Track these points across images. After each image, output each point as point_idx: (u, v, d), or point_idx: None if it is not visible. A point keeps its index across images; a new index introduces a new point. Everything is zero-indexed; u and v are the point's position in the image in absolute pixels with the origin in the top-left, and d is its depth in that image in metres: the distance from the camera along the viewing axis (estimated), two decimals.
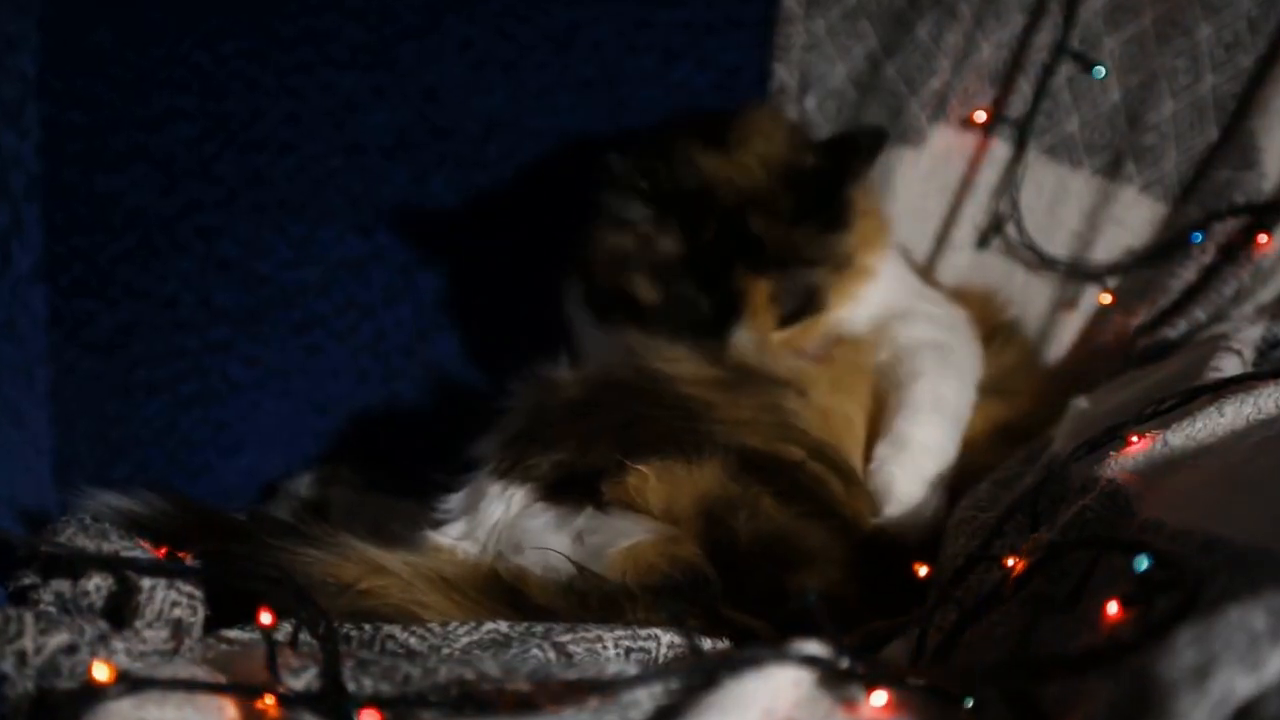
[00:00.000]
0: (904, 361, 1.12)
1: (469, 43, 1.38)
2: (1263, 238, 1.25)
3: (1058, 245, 1.37)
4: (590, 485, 0.97)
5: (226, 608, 0.82)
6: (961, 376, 1.14)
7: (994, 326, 1.25)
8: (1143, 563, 0.65)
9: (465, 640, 0.82)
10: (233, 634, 0.82)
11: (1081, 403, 1.08)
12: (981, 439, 1.12)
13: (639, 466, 0.96)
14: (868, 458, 1.08)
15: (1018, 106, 1.37)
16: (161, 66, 1.34)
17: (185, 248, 1.34)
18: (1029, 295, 1.36)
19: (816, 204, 1.13)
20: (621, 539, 0.94)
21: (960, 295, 1.27)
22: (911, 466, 1.05)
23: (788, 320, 1.14)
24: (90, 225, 1.32)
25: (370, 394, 1.38)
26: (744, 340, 1.12)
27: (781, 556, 0.94)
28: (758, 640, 0.86)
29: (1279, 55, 1.30)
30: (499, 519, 0.98)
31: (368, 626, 0.84)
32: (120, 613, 0.78)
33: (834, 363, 1.13)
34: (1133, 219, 1.34)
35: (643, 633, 0.83)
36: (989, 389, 1.16)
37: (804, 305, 1.15)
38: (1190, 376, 1.00)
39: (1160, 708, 0.54)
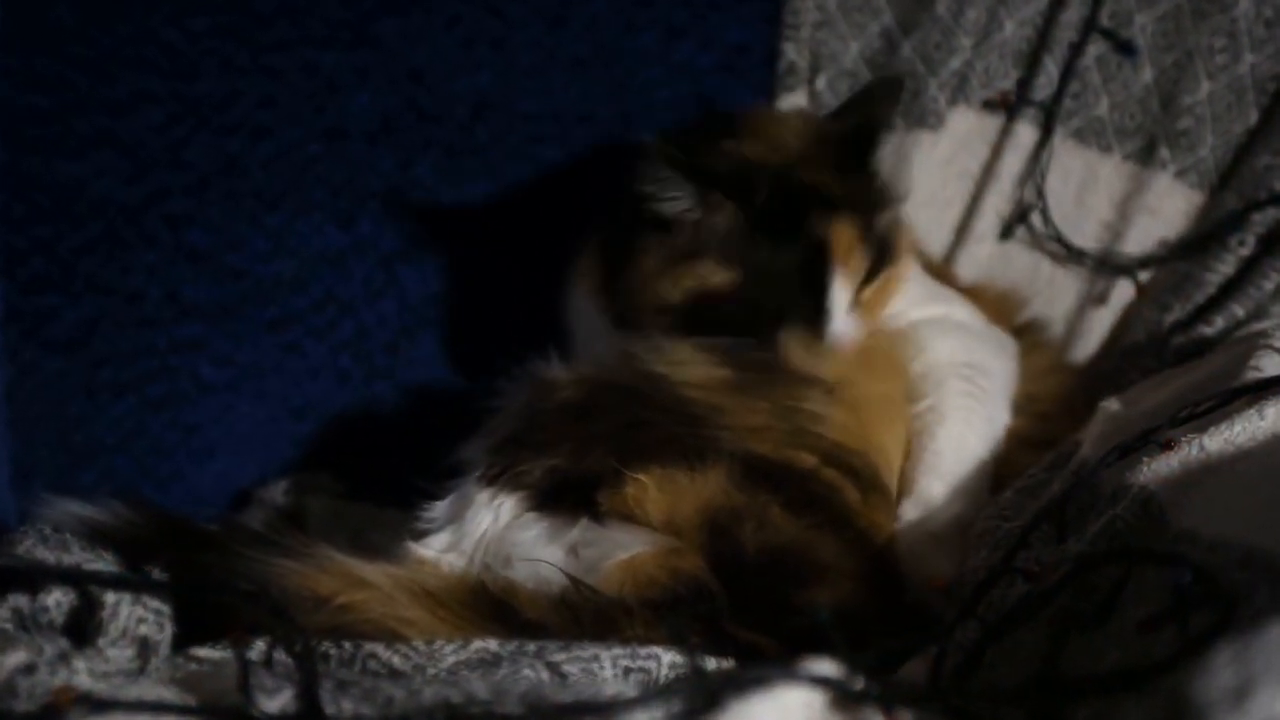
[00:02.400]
0: (931, 391, 1.12)
1: (457, 19, 1.38)
2: None
3: (1086, 236, 1.36)
4: (586, 494, 0.97)
5: (196, 624, 0.82)
6: (992, 410, 1.13)
7: (1015, 328, 1.25)
8: (1178, 576, 0.65)
9: (452, 660, 0.82)
10: (203, 652, 0.82)
11: (1112, 405, 1.08)
12: (1005, 449, 1.12)
13: (638, 475, 0.96)
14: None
15: (1044, 88, 1.37)
16: (128, 45, 1.33)
17: (153, 239, 1.34)
18: (1055, 290, 1.36)
19: (857, 156, 1.13)
20: (619, 551, 0.94)
21: (977, 293, 1.27)
22: (937, 529, 1.04)
23: (871, 271, 1.13)
24: (51, 215, 1.32)
25: (350, 395, 1.38)
26: (842, 298, 1.09)
27: (791, 570, 0.94)
28: (765, 659, 0.86)
29: None
30: (487, 530, 0.98)
31: (347, 644, 0.84)
32: (82, 630, 0.78)
33: (867, 352, 1.12)
34: (1166, 208, 1.34)
35: (642, 651, 0.83)
36: (1015, 401, 1.16)
37: (881, 254, 1.13)
38: (1228, 376, 1.00)
39: None
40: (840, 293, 1.09)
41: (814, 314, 1.09)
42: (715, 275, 1.11)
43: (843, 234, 1.10)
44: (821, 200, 1.10)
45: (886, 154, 1.34)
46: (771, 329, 1.09)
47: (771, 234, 1.10)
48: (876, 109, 1.14)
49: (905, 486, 1.08)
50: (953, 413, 1.10)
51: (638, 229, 1.14)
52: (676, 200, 1.10)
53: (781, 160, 1.12)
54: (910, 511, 1.05)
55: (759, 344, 1.08)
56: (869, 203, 1.13)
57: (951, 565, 1.01)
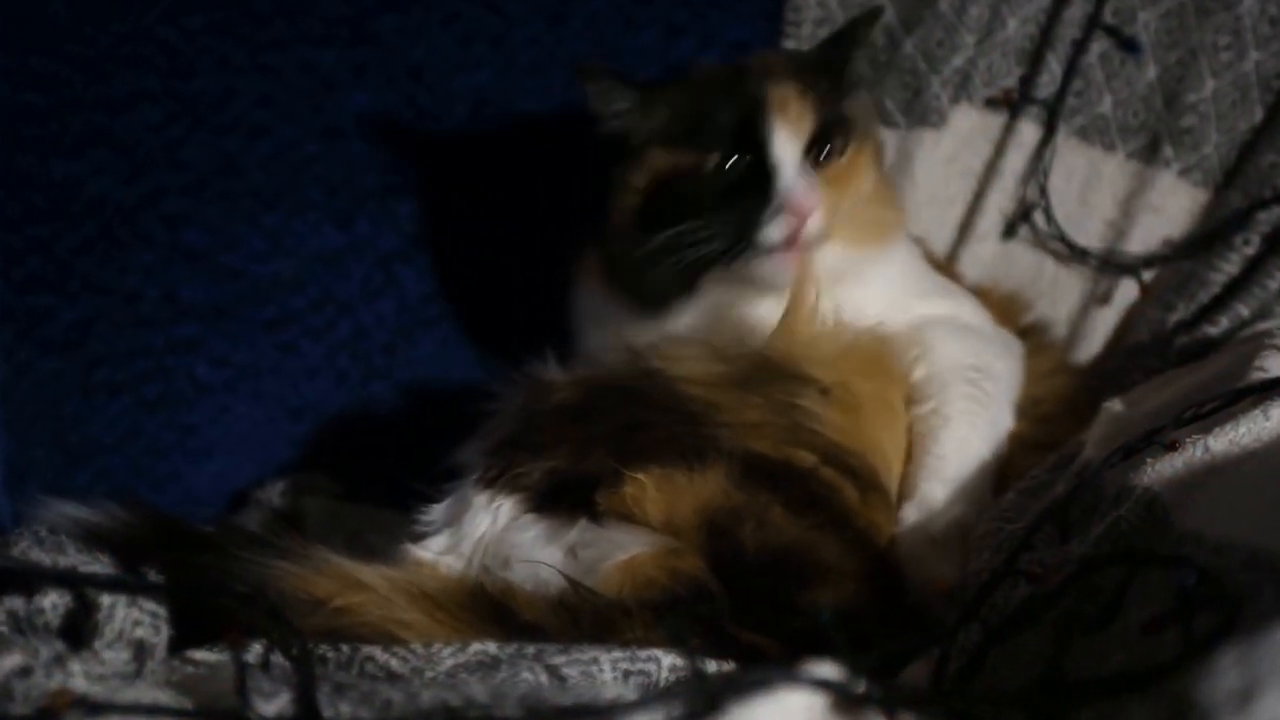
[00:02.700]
0: (936, 394, 1.11)
1: (455, 16, 1.38)
2: None
3: (1090, 235, 1.36)
4: (584, 495, 0.97)
5: (193, 627, 0.82)
6: (996, 414, 1.13)
7: (1020, 330, 1.25)
8: (1182, 578, 0.65)
9: (450, 662, 0.82)
10: (199, 655, 0.82)
11: (1115, 405, 1.07)
12: (1008, 452, 1.12)
13: (637, 475, 0.96)
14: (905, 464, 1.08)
15: (1047, 85, 1.37)
16: (124, 43, 1.33)
17: (150, 238, 1.34)
18: (1059, 289, 1.36)
19: (833, 66, 1.15)
20: (618, 552, 0.94)
21: (982, 295, 1.27)
22: (938, 534, 1.04)
23: (832, 145, 1.11)
24: (47, 215, 1.32)
25: (348, 396, 1.38)
26: (787, 151, 1.08)
27: (792, 571, 0.94)
28: (766, 661, 0.86)
29: None
30: (485, 532, 0.98)
31: (345, 647, 0.84)
32: (78, 632, 0.78)
33: (861, 352, 1.12)
34: (1170, 206, 1.34)
35: (642, 654, 0.83)
36: (1019, 404, 1.16)
37: (842, 129, 1.12)
38: (1233, 377, 1.00)
39: None
40: (784, 146, 1.08)
41: (760, 170, 1.08)
42: (662, 159, 1.13)
43: (781, 91, 1.10)
44: (773, 71, 1.12)
45: (885, 153, 1.36)
46: (727, 202, 1.09)
47: (709, 104, 1.11)
48: (852, 30, 1.18)
49: (907, 490, 1.07)
50: (956, 416, 1.10)
51: (610, 184, 1.17)
52: (621, 108, 1.14)
53: (753, 83, 1.13)
54: (912, 515, 1.05)
55: (720, 229, 1.08)
56: (820, 78, 1.13)
57: (953, 569, 1.01)
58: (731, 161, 1.10)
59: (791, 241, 1.07)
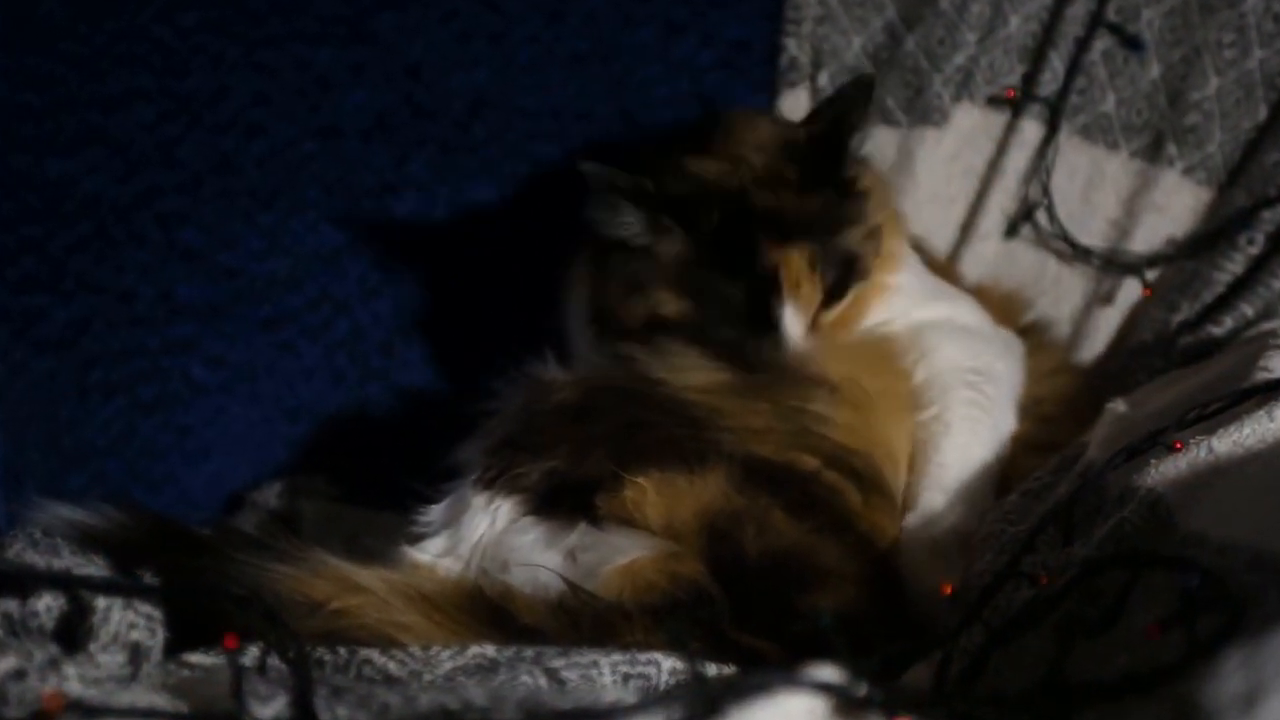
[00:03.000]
0: (936, 399, 1.11)
1: (453, 14, 1.38)
2: None
3: (1093, 234, 1.36)
4: (584, 498, 0.97)
5: (188, 629, 0.82)
6: (998, 418, 1.13)
7: (1020, 329, 1.25)
8: (1186, 580, 0.65)
9: (449, 665, 0.82)
10: (195, 658, 0.82)
11: (1119, 406, 1.08)
12: (1009, 454, 1.12)
13: (636, 479, 0.96)
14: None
15: (1049, 84, 1.36)
16: (118, 41, 1.33)
17: (145, 238, 1.34)
18: (1061, 289, 1.36)
19: (823, 169, 1.11)
20: (618, 556, 0.94)
21: (982, 294, 1.27)
22: (941, 543, 1.04)
23: (834, 293, 1.12)
24: (41, 214, 1.32)
25: (345, 396, 1.38)
26: (795, 328, 1.09)
27: (793, 575, 0.94)
28: (767, 665, 0.86)
29: None
30: (484, 534, 0.98)
31: (342, 650, 0.84)
32: (73, 635, 0.78)
33: (866, 349, 1.12)
34: (1174, 205, 1.34)
35: (642, 657, 0.83)
36: (1020, 404, 1.16)
37: (846, 274, 1.11)
38: (1237, 377, 1.00)
39: None
40: (792, 325, 1.09)
41: (766, 346, 1.09)
42: (668, 304, 1.11)
43: (794, 263, 1.09)
44: (774, 227, 1.09)
45: (886, 152, 1.35)
46: (729, 358, 1.08)
47: (720, 265, 1.09)
48: (846, 113, 1.11)
49: (909, 498, 1.07)
50: (958, 423, 1.10)
51: (607, 245, 1.14)
52: (627, 225, 1.11)
53: (738, 181, 1.11)
54: (914, 525, 1.05)
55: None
56: (831, 221, 1.11)
57: (955, 576, 1.01)
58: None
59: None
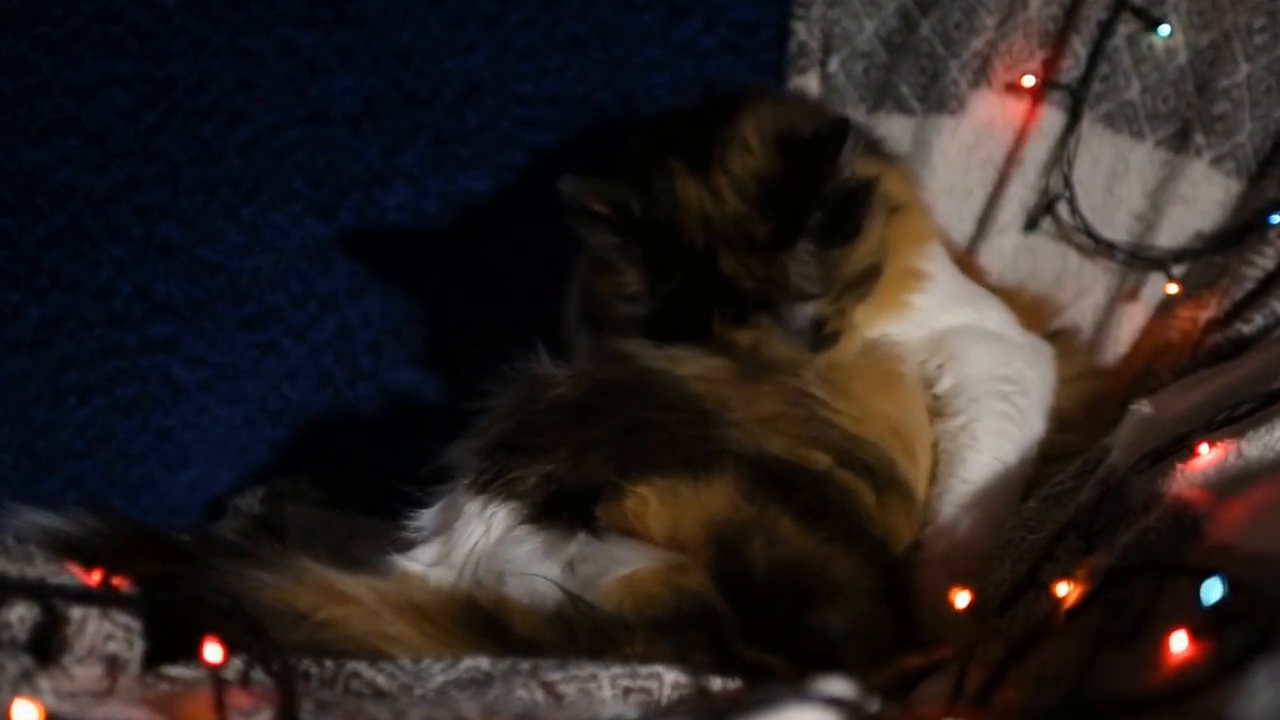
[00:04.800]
0: (965, 408, 1.11)
1: None
2: None
3: (1117, 228, 1.36)
4: (583, 505, 0.97)
5: (168, 641, 0.82)
6: (1028, 431, 1.13)
7: (1048, 335, 1.25)
8: (1214, 591, 0.65)
9: (441, 679, 0.82)
10: (175, 671, 0.82)
11: (1143, 408, 1.07)
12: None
13: (638, 488, 0.96)
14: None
15: (1071, 70, 1.37)
16: (94, 24, 1.34)
17: (122, 231, 1.34)
18: (1083, 285, 1.36)
19: (796, 223, 1.08)
20: (618, 568, 0.94)
21: (1008, 297, 1.26)
22: (960, 566, 1.03)
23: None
24: (13, 206, 1.32)
25: (332, 398, 1.38)
26: None
27: (803, 588, 0.94)
28: (774, 679, 0.86)
29: None
30: (478, 542, 0.98)
31: (329, 662, 0.84)
32: (47, 647, 0.78)
33: (872, 360, 1.12)
34: (1202, 197, 1.34)
35: (643, 671, 0.83)
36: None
37: (813, 343, 1.11)
38: (1268, 378, 1.00)
39: None
40: None
41: None
42: (642, 355, 1.11)
43: (743, 343, 1.09)
44: (731, 302, 1.09)
45: (901, 142, 1.35)
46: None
47: (677, 327, 1.10)
48: (816, 162, 1.07)
49: (930, 514, 1.07)
50: (985, 438, 1.10)
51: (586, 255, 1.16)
52: (601, 244, 1.12)
53: (712, 226, 1.10)
54: (932, 544, 1.04)
55: None
56: (797, 291, 1.10)
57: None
58: None
59: None
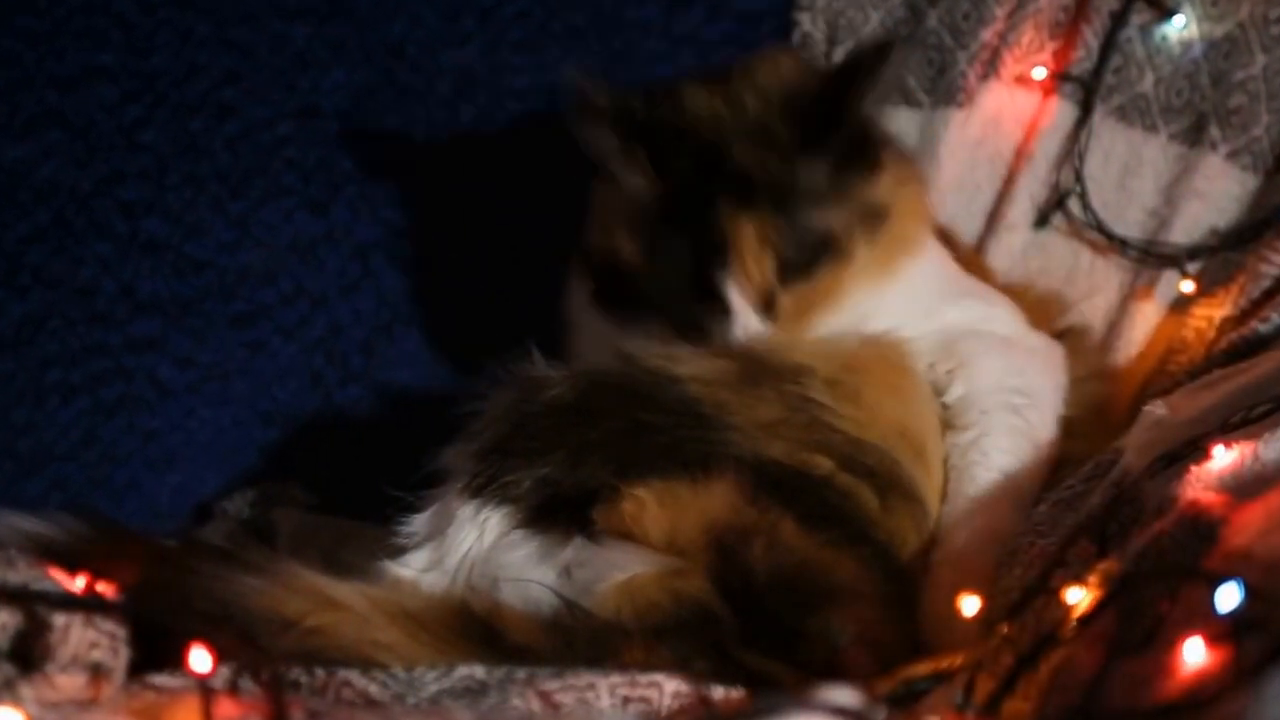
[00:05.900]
0: (976, 422, 1.10)
1: None
2: None
3: (1129, 224, 1.36)
4: (580, 509, 0.97)
5: (154, 649, 0.82)
6: (1040, 445, 1.12)
7: (1056, 334, 1.24)
8: (1231, 597, 0.65)
9: (434, 688, 0.82)
10: (161, 680, 0.82)
11: (1157, 409, 1.07)
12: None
13: (636, 490, 0.96)
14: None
15: (1082, 62, 1.37)
16: (77, 16, 1.34)
17: (106, 228, 1.34)
18: (1095, 282, 1.36)
19: (821, 132, 1.11)
20: (616, 573, 0.94)
21: (1015, 295, 1.26)
22: (968, 585, 1.03)
23: (794, 271, 1.11)
24: None
25: (322, 399, 1.38)
26: (741, 304, 1.09)
27: (806, 593, 0.94)
28: (778, 687, 0.86)
29: None
30: (471, 547, 0.98)
31: (319, 671, 0.84)
32: (29, 655, 0.78)
33: (874, 359, 1.12)
34: (1217, 192, 1.34)
35: (642, 679, 0.83)
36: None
37: (816, 253, 1.11)
38: None
39: None
40: (738, 300, 1.09)
41: (712, 316, 1.09)
42: (624, 246, 1.13)
43: (747, 232, 1.09)
44: (740, 189, 1.09)
45: (908, 135, 1.35)
46: (675, 320, 1.10)
47: (676, 218, 1.10)
48: (856, 75, 1.11)
49: (939, 532, 1.06)
50: (996, 455, 1.09)
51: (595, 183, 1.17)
52: (603, 148, 1.13)
53: (723, 129, 1.11)
54: (942, 565, 1.04)
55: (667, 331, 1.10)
56: (811, 192, 1.11)
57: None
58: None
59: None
